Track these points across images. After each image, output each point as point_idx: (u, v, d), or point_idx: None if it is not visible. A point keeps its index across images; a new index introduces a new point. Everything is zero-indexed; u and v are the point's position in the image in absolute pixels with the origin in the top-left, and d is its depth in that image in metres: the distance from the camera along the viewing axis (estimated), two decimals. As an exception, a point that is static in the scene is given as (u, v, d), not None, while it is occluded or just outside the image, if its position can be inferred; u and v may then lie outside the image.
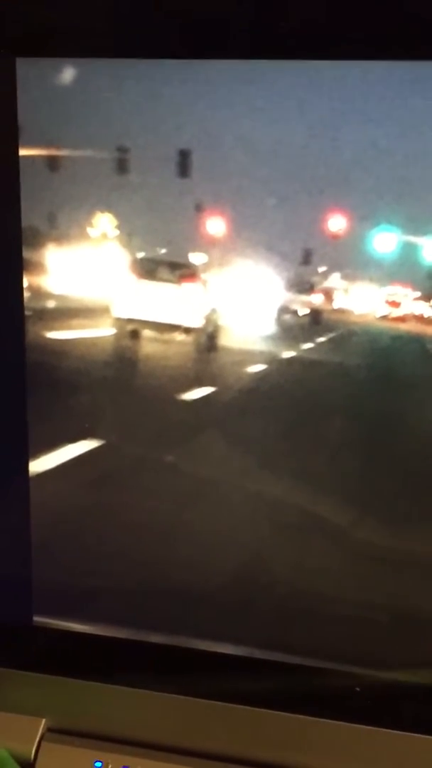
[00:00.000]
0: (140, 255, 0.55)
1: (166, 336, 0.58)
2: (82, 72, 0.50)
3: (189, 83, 0.49)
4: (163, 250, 0.55)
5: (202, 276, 0.55)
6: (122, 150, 0.52)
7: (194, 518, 0.58)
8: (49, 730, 0.58)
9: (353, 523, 0.57)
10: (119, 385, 0.58)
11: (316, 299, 0.54)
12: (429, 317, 0.53)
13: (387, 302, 0.53)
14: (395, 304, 0.53)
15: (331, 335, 0.55)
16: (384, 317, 0.53)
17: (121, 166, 0.52)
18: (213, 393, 0.56)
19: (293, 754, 0.55)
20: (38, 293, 0.55)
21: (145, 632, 0.58)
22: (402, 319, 0.53)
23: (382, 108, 0.47)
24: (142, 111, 0.50)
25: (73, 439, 0.58)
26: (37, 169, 0.52)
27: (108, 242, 0.54)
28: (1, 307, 0.54)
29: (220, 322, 0.56)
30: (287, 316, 0.55)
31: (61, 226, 0.54)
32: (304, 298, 0.54)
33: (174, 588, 0.59)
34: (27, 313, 0.54)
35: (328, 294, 0.54)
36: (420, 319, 0.53)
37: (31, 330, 0.54)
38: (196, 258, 0.54)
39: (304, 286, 0.54)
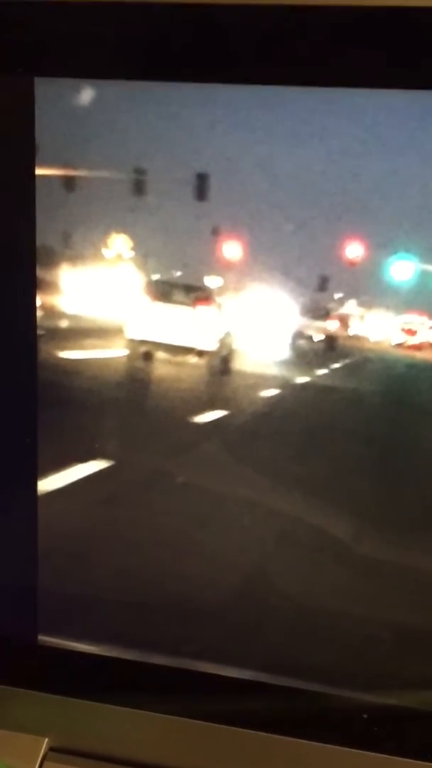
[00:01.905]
0: (155, 277, 0.55)
1: (180, 358, 0.58)
2: (100, 93, 0.49)
3: (208, 107, 0.48)
4: (179, 273, 0.55)
5: (217, 299, 0.55)
6: (139, 172, 0.51)
7: (202, 539, 0.58)
8: (51, 749, 0.58)
9: (363, 546, 0.57)
10: (131, 407, 0.57)
11: (332, 325, 0.54)
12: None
13: (403, 330, 0.53)
14: (411, 332, 0.53)
15: (345, 361, 0.55)
16: (399, 345, 0.53)
17: (138, 188, 0.52)
18: (225, 416, 0.56)
19: (298, 780, 0.55)
20: (51, 312, 0.55)
21: (150, 653, 0.58)
22: (418, 347, 0.53)
23: (403, 136, 0.47)
24: (159, 133, 0.50)
25: (83, 458, 0.57)
26: (53, 189, 0.51)
27: (123, 263, 0.54)
28: (14, 326, 0.54)
29: (234, 345, 0.56)
30: (302, 342, 0.54)
31: (75, 246, 0.54)
32: (320, 324, 0.54)
33: (180, 608, 0.58)
34: (40, 332, 0.54)
35: (343, 320, 0.54)
36: None
37: (44, 349, 0.54)
38: (211, 281, 0.54)
39: (319, 312, 0.54)
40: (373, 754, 0.54)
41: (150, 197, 0.52)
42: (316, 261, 0.51)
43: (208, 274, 0.54)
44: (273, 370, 0.55)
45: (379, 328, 0.53)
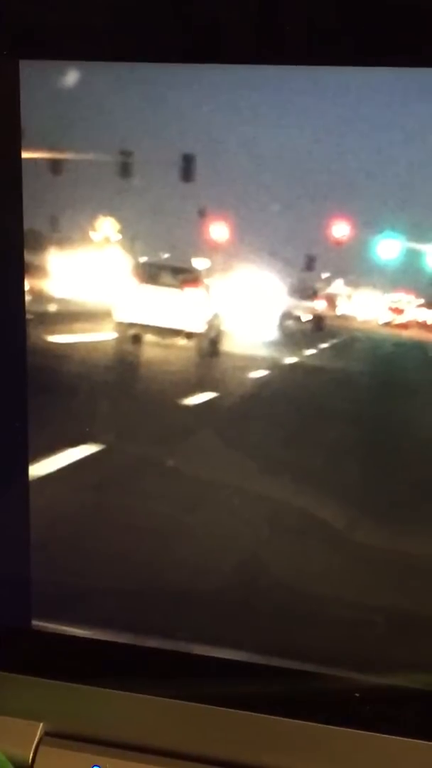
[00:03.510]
0: (143, 259, 0.55)
1: (168, 341, 0.58)
2: (86, 75, 0.49)
3: (193, 87, 0.48)
4: (166, 255, 0.55)
5: (205, 281, 0.55)
6: (125, 154, 0.51)
7: (194, 523, 0.58)
8: (46, 734, 0.58)
9: (354, 528, 0.57)
10: (120, 390, 0.57)
11: (319, 305, 0.54)
12: (432, 324, 0.53)
13: (390, 309, 0.53)
14: (398, 310, 0.53)
15: (333, 341, 0.55)
16: (387, 324, 0.53)
17: (124, 170, 0.52)
18: (215, 398, 0.56)
19: (291, 760, 0.55)
20: (40, 297, 0.55)
21: (144, 636, 0.58)
22: (405, 326, 0.53)
23: (387, 115, 0.47)
24: (145, 115, 0.50)
25: (74, 443, 0.57)
26: (39, 172, 0.51)
27: (110, 246, 0.54)
28: (2, 311, 0.54)
29: (223, 327, 0.56)
30: (290, 322, 0.55)
31: (63, 230, 0.54)
32: (307, 304, 0.54)
33: (173, 592, 0.59)
34: (28, 316, 0.54)
35: (331, 300, 0.54)
36: (423, 326, 0.53)
37: (33, 333, 0.54)
38: (198, 263, 0.54)
39: (307, 292, 0.54)
40: (366, 732, 0.54)
41: (137, 179, 0.52)
42: (303, 241, 0.51)
43: (196, 255, 0.54)
44: (261, 351, 0.55)
45: (366, 308, 0.53)
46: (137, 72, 0.49)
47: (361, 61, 0.46)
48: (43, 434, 0.56)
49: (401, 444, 0.55)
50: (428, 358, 0.54)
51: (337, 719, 0.55)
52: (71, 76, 0.49)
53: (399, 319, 0.53)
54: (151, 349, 0.58)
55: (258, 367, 0.55)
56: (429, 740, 0.54)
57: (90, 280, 0.55)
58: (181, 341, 0.57)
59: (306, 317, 0.55)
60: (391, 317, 0.53)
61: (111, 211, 0.53)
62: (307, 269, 0.52)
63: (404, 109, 0.47)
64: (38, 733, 0.57)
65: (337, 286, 0.54)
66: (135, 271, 0.56)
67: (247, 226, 0.51)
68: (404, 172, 0.48)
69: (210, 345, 0.56)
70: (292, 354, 0.55)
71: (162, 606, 0.59)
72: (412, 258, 0.50)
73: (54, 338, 0.56)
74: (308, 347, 0.55)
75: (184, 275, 0.56)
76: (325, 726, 0.55)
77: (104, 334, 0.57)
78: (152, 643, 0.58)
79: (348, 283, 0.53)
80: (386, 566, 0.57)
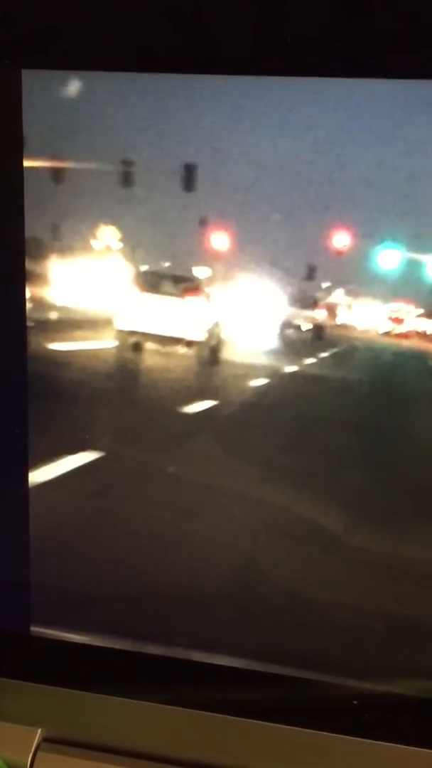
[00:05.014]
0: (144, 268, 0.55)
1: (169, 349, 0.58)
2: (88, 84, 0.50)
3: (194, 97, 0.49)
4: (167, 264, 0.55)
5: (206, 290, 0.55)
6: (127, 163, 0.52)
7: (194, 530, 0.58)
8: (45, 740, 0.58)
9: (353, 535, 0.57)
10: (120, 397, 0.58)
11: (320, 315, 0.55)
12: (432, 334, 0.54)
13: (390, 318, 0.53)
14: (398, 320, 0.53)
15: (333, 350, 0.55)
16: (387, 333, 0.53)
17: (126, 179, 0.52)
18: (214, 406, 0.56)
19: (290, 767, 0.55)
20: (41, 304, 0.55)
21: (143, 643, 0.58)
22: (405, 335, 0.53)
23: (388, 125, 0.47)
24: (147, 124, 0.50)
25: (74, 450, 0.58)
26: (41, 181, 0.52)
27: (111, 255, 0.54)
28: (3, 318, 0.54)
29: (223, 335, 0.56)
30: (290, 331, 0.55)
31: (64, 238, 0.54)
32: (308, 313, 0.54)
33: (172, 598, 0.59)
34: (29, 324, 0.54)
35: (331, 309, 0.54)
36: (423, 335, 0.53)
37: (33, 341, 0.54)
38: (199, 272, 0.54)
39: (307, 302, 0.54)
40: (364, 740, 0.54)
41: (138, 188, 0.52)
42: (304, 251, 0.51)
43: (197, 264, 0.54)
44: (261, 359, 0.55)
45: (366, 317, 0.54)
46: (139, 82, 0.49)
47: (362, 72, 0.46)
48: (43, 441, 0.57)
49: (401, 452, 0.55)
50: (428, 368, 0.55)
51: (336, 726, 0.55)
52: (73, 86, 0.50)
53: (399, 329, 0.53)
54: (151, 357, 0.58)
55: (258, 376, 0.55)
56: (428, 748, 0.54)
57: (91, 289, 0.56)
58: (182, 349, 0.58)
59: (306, 326, 0.55)
60: (391, 327, 0.53)
61: (112, 220, 0.53)
62: (308, 279, 0.52)
63: (405, 119, 0.47)
64: (36, 738, 0.57)
65: (338, 296, 0.54)
66: (136, 280, 0.56)
67: (248, 236, 0.51)
68: (405, 182, 0.48)
69: (210, 353, 0.56)
70: (292, 363, 0.55)
71: (161, 612, 0.59)
72: (413, 268, 0.50)
73: (55, 346, 0.56)
74: (308, 356, 0.55)
75: (184, 284, 0.57)
76: (323, 733, 0.55)
77: (105, 342, 0.57)
78: (151, 649, 0.58)
79: (348, 293, 0.54)
80: (386, 573, 0.57)
